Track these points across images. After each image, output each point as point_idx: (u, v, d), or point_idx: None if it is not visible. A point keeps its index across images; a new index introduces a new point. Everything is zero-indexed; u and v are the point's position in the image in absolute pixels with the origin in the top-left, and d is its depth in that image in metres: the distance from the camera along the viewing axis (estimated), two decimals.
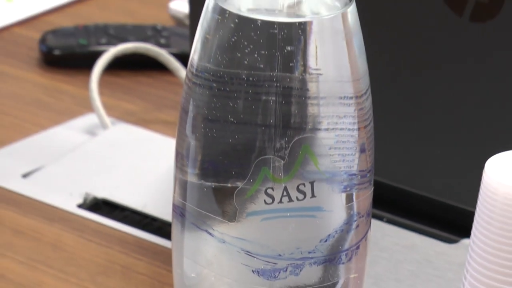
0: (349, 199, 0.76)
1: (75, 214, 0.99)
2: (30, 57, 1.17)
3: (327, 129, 0.74)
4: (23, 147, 1.07)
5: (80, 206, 0.99)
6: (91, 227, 0.98)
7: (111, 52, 1.08)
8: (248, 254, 0.75)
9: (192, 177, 0.76)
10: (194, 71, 0.75)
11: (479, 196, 0.70)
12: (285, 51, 0.73)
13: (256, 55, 0.73)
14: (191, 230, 0.77)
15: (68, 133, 1.07)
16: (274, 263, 0.75)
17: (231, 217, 0.75)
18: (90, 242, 0.96)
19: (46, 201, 1.00)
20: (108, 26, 1.17)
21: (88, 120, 1.07)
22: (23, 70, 1.16)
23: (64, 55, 1.15)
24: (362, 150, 0.76)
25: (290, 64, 0.73)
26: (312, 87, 0.74)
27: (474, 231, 0.71)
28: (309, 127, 0.74)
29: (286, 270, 0.75)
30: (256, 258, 0.75)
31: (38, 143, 1.07)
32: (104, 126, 1.05)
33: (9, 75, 1.15)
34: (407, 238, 0.96)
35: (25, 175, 1.02)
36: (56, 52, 1.15)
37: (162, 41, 1.11)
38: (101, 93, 1.06)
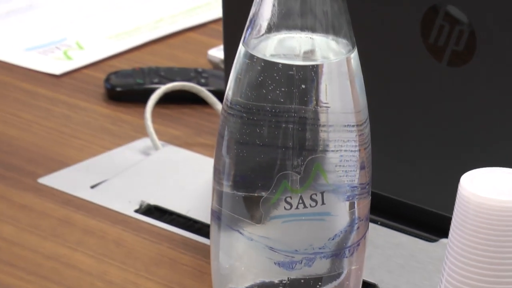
0: (351, 206, 0.77)
1: (133, 217, 0.99)
2: (97, 93, 1.16)
3: (334, 151, 0.75)
4: (91, 164, 1.07)
5: (136, 211, 1.00)
6: (145, 228, 0.98)
7: (161, 89, 1.09)
8: (271, 250, 0.75)
9: (226, 188, 0.78)
10: (228, 104, 0.77)
11: (455, 205, 0.71)
12: (301, 88, 0.75)
13: (278, 92, 0.75)
14: (225, 230, 0.78)
15: (127, 153, 1.07)
16: (291, 257, 0.76)
17: (258, 220, 0.76)
18: (144, 240, 0.97)
19: (110, 207, 1.00)
20: (159, 69, 1.17)
21: (143, 143, 1.07)
22: (92, 103, 1.16)
23: (124, 91, 1.15)
24: (362, 167, 0.77)
25: (305, 99, 0.74)
26: (322, 117, 0.75)
27: (451, 232, 0.71)
28: (320, 149, 0.75)
29: (301, 262, 0.76)
30: (277, 252, 0.76)
31: (103, 161, 1.07)
32: (156, 148, 1.05)
33: (80, 107, 1.15)
34: (396, 237, 0.96)
35: (92, 186, 1.02)
36: (118, 89, 1.15)
37: (202, 80, 1.11)
38: (154, 121, 1.06)
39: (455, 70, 0.89)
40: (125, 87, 1.16)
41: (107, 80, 1.16)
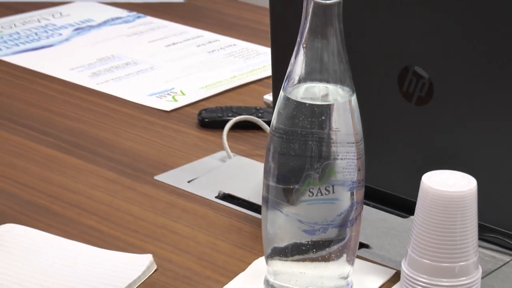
0: (351, 194, 0.78)
1: (214, 201, 0.98)
2: (193, 122, 1.16)
3: (341, 159, 0.76)
4: (188, 168, 1.06)
5: (216, 197, 0.99)
6: (221, 208, 0.97)
7: (233, 120, 1.08)
8: (300, 222, 0.76)
9: (271, 182, 0.79)
10: (273, 129, 0.78)
11: (419, 193, 0.73)
12: (320, 119, 0.76)
13: (304, 121, 0.76)
14: (271, 209, 0.79)
15: (211, 160, 1.07)
16: (313, 227, 0.77)
17: (291, 203, 0.77)
18: (221, 216, 0.96)
19: (199, 195, 0.99)
20: (232, 107, 1.16)
21: (221, 154, 1.07)
22: (189, 129, 1.16)
23: (210, 121, 1.14)
24: (358, 170, 0.78)
25: (322, 125, 0.75)
26: (333, 137, 0.76)
27: (416, 212, 0.73)
28: (332, 157, 0.76)
29: (319, 230, 0.77)
30: (304, 224, 0.76)
31: (195, 166, 1.06)
32: (229, 157, 1.05)
33: (182, 131, 1.15)
34: (381, 215, 0.95)
35: (189, 181, 1.02)
36: (206, 120, 1.15)
37: (259, 114, 1.10)
38: (228, 140, 1.05)
39: (419, 108, 0.87)
40: (210, 119, 1.15)
41: (199, 114, 1.16)
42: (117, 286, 0.81)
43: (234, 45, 1.44)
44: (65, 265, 0.86)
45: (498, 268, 0.85)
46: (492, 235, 0.86)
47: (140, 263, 0.84)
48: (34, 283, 0.83)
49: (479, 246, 0.75)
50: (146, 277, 0.83)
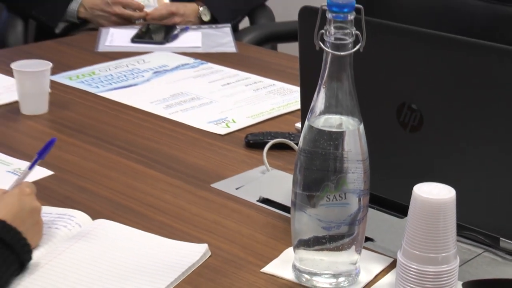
0: (359, 200, 0.76)
1: (256, 204, 0.97)
2: (241, 144, 1.14)
3: (351, 173, 0.75)
4: (236, 178, 1.04)
5: (257, 200, 0.98)
6: (261, 209, 0.96)
7: (271, 142, 1.07)
8: (319, 220, 0.76)
9: (298, 190, 0.78)
10: (300, 149, 0.77)
11: (411, 200, 0.71)
12: (335, 142, 0.76)
13: (324, 143, 0.75)
14: (297, 210, 0.78)
15: (254, 172, 1.05)
16: (329, 224, 0.76)
17: (313, 206, 0.76)
18: (261, 215, 0.95)
19: (244, 198, 0.98)
20: (271, 132, 1.14)
21: (261, 168, 1.05)
22: (238, 148, 1.15)
23: (254, 143, 1.12)
24: (365, 181, 0.77)
25: (338, 147, 0.75)
26: (346, 156, 0.75)
27: (408, 214, 0.72)
28: (344, 172, 0.75)
29: (334, 227, 0.76)
30: (322, 222, 0.76)
31: (242, 177, 1.05)
32: (268, 170, 1.03)
33: (232, 151, 1.13)
34: (382, 216, 0.94)
35: (237, 188, 1.00)
36: (251, 142, 1.12)
37: (292, 138, 1.09)
38: (267, 157, 1.04)
39: (412, 135, 0.85)
40: (254, 141, 1.13)
41: (246, 137, 1.14)
42: (181, 266, 0.81)
43: (273, 85, 1.43)
44: (140, 250, 0.85)
45: (473, 258, 0.84)
46: (468, 232, 0.84)
47: (198, 250, 0.83)
48: (115, 266, 0.82)
49: (458, 241, 0.74)
50: (203, 261, 0.83)
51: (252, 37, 1.79)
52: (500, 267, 0.83)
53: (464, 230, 0.83)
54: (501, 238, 0.83)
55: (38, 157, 0.87)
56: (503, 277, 0.80)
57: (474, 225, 0.83)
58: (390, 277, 0.79)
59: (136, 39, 1.63)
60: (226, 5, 1.82)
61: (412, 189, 0.71)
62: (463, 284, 0.73)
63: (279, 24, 1.93)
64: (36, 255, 0.80)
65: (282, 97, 1.35)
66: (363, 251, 0.78)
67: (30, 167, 0.87)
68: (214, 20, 1.77)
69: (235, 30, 1.79)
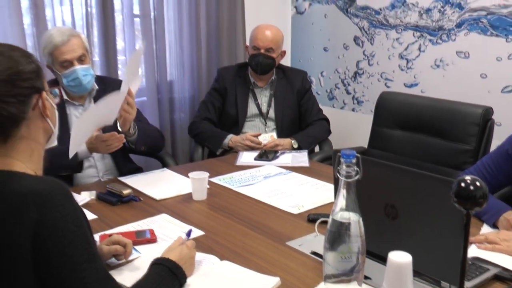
0: (358, 258, 0.84)
1: (309, 255, 1.06)
2: (305, 219, 1.28)
3: (355, 243, 0.81)
4: (300, 239, 1.12)
5: (310, 253, 1.06)
6: (312, 258, 1.05)
7: (320, 219, 1.13)
8: (336, 268, 0.82)
9: (327, 250, 0.83)
10: (327, 230, 0.82)
11: (387, 260, 0.78)
12: (346, 229, 0.83)
13: (340, 227, 0.81)
14: (325, 261, 0.83)
15: (310, 236, 1.13)
16: (342, 270, 0.82)
17: (333, 260, 0.80)
18: (312, 261, 1.04)
19: (302, 251, 1.08)
20: (322, 213, 1.21)
21: (314, 234, 1.13)
22: (303, 222, 1.29)
23: (312, 219, 1.21)
24: (362, 250, 0.84)
25: (347, 229, 0.82)
26: (351, 234, 0.82)
27: (386, 268, 0.77)
28: (350, 242, 0.81)
29: (345, 271, 0.82)
30: (338, 269, 0.82)
31: (303, 238, 1.14)
32: (317, 235, 1.10)
33: (299, 223, 1.25)
34: (374, 264, 0.97)
35: (299, 245, 1.10)
36: (311, 218, 1.22)
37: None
38: (318, 227, 1.12)
39: (393, 221, 0.93)
40: (312, 218, 1.21)
41: (308, 216, 1.22)
42: None
43: (326, 185, 1.54)
44: (230, 278, 0.92)
45: None
46: (422, 276, 0.91)
47: (272, 281, 0.92)
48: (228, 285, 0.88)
49: (415, 281, 0.83)
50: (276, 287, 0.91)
51: (319, 158, 2.03)
52: None
53: (420, 274, 0.90)
54: (441, 281, 0.89)
55: (188, 235, 1.03)
56: None
57: (425, 271, 0.89)
58: None
59: (257, 158, 1.88)
60: (306, 139, 2.10)
61: (388, 252, 0.78)
62: None
63: (334, 151, 1.86)
64: (189, 279, 0.93)
65: (331, 193, 1.41)
66: (364, 285, 0.88)
67: (188, 235, 1.03)
68: (299, 147, 2.06)
69: (310, 153, 2.03)
